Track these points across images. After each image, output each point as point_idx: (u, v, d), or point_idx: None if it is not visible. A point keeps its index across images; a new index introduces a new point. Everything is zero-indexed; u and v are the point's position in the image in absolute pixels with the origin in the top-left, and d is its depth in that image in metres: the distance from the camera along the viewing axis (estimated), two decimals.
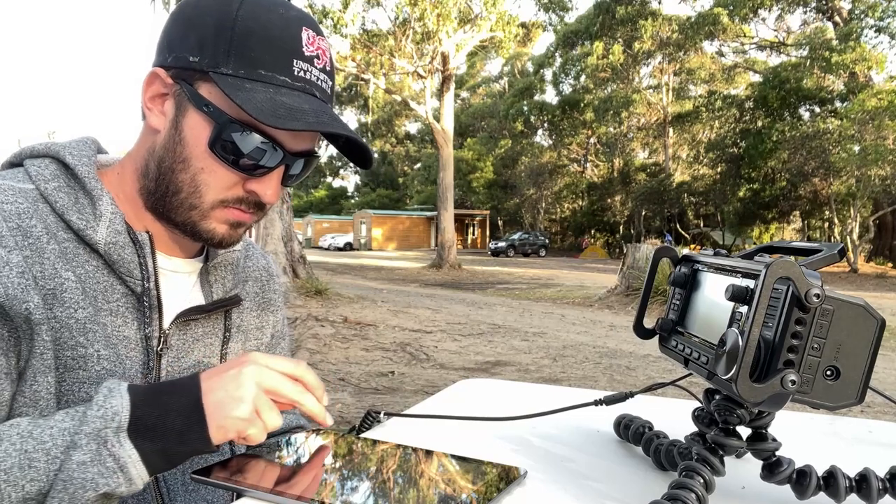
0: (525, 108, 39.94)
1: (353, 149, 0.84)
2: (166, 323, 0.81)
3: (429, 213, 44.46)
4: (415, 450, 0.74)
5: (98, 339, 0.74)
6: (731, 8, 28.58)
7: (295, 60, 0.74)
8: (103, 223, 0.76)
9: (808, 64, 26.06)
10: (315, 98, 0.76)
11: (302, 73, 0.75)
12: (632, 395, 0.79)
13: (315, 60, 0.77)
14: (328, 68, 0.79)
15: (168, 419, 0.65)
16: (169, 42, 0.76)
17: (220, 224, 0.78)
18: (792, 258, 0.54)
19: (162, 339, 0.80)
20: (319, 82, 0.78)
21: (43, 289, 0.71)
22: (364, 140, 0.81)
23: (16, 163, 0.81)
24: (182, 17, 0.76)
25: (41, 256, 0.71)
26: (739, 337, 0.53)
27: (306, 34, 0.76)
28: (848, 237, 22.50)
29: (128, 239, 0.77)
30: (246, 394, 0.66)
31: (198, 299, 0.86)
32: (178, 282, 0.85)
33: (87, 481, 0.62)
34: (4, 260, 0.68)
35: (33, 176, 0.77)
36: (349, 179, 75.45)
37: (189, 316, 0.83)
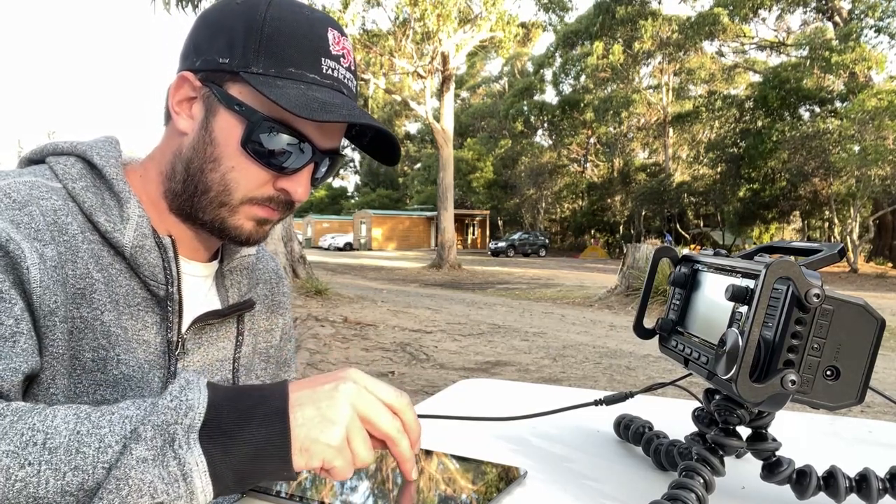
0: (525, 108, 39.96)
1: (378, 146, 0.84)
2: (184, 327, 0.81)
3: (429, 213, 44.46)
4: None
5: (119, 343, 0.73)
6: (731, 8, 28.59)
7: (323, 59, 0.76)
8: (130, 226, 0.76)
9: (808, 64, 26.06)
10: (343, 95, 0.78)
11: (330, 71, 0.76)
12: (632, 395, 0.79)
13: (341, 59, 0.78)
14: (353, 68, 0.81)
15: (249, 428, 0.54)
16: (196, 46, 0.77)
17: (247, 221, 0.79)
18: (792, 258, 0.54)
19: (179, 343, 0.80)
20: (346, 80, 0.79)
21: (73, 287, 0.70)
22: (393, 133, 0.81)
23: (36, 159, 0.80)
24: (209, 21, 0.77)
25: (75, 255, 0.71)
26: (739, 337, 0.53)
27: (332, 34, 0.77)
28: (848, 237, 22.50)
29: (153, 243, 0.77)
30: (340, 415, 0.55)
31: (214, 303, 0.87)
32: (196, 286, 0.85)
33: (145, 484, 0.51)
34: (40, 253, 0.67)
35: (60, 174, 0.76)
36: (349, 179, 75.49)
37: (206, 320, 0.83)
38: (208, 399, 0.55)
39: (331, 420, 0.55)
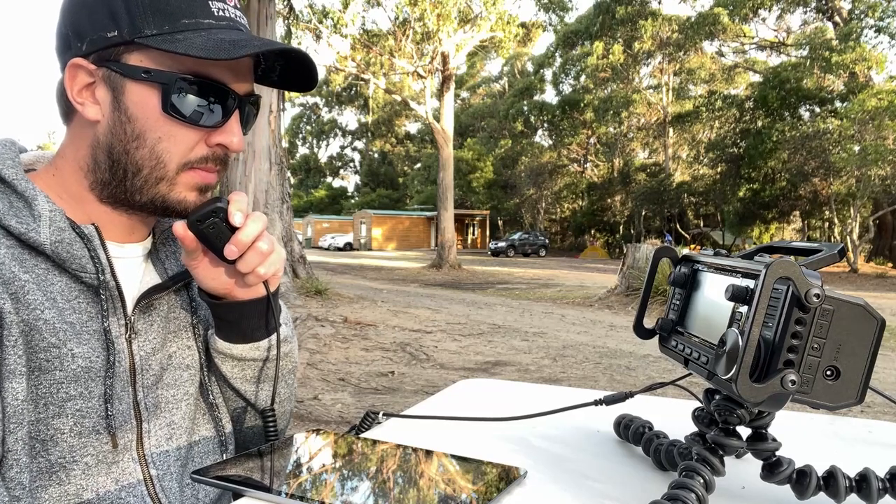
0: (525, 108, 39.98)
1: (291, 76, 0.82)
2: (130, 309, 0.80)
3: (429, 213, 44.42)
4: (415, 450, 0.74)
5: (70, 338, 0.72)
6: (731, 8, 28.61)
7: (210, 2, 0.74)
8: (44, 223, 0.73)
9: (808, 64, 26.06)
10: (243, 32, 0.77)
11: (221, 13, 0.75)
12: (632, 395, 0.79)
13: None
14: (238, 6, 0.80)
15: None
16: (75, 30, 0.74)
17: (189, 191, 0.78)
18: (792, 258, 0.54)
19: (129, 327, 0.79)
20: (238, 18, 0.78)
21: (7, 290, 0.69)
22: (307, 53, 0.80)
23: None
24: (78, 2, 0.74)
25: None
26: (739, 337, 0.53)
27: None
28: (848, 237, 22.50)
29: (73, 234, 0.75)
30: None
31: (154, 279, 0.85)
32: (135, 267, 0.83)
33: None
34: None
35: None
36: (349, 179, 75.41)
37: (150, 297, 0.81)
38: None
39: None
